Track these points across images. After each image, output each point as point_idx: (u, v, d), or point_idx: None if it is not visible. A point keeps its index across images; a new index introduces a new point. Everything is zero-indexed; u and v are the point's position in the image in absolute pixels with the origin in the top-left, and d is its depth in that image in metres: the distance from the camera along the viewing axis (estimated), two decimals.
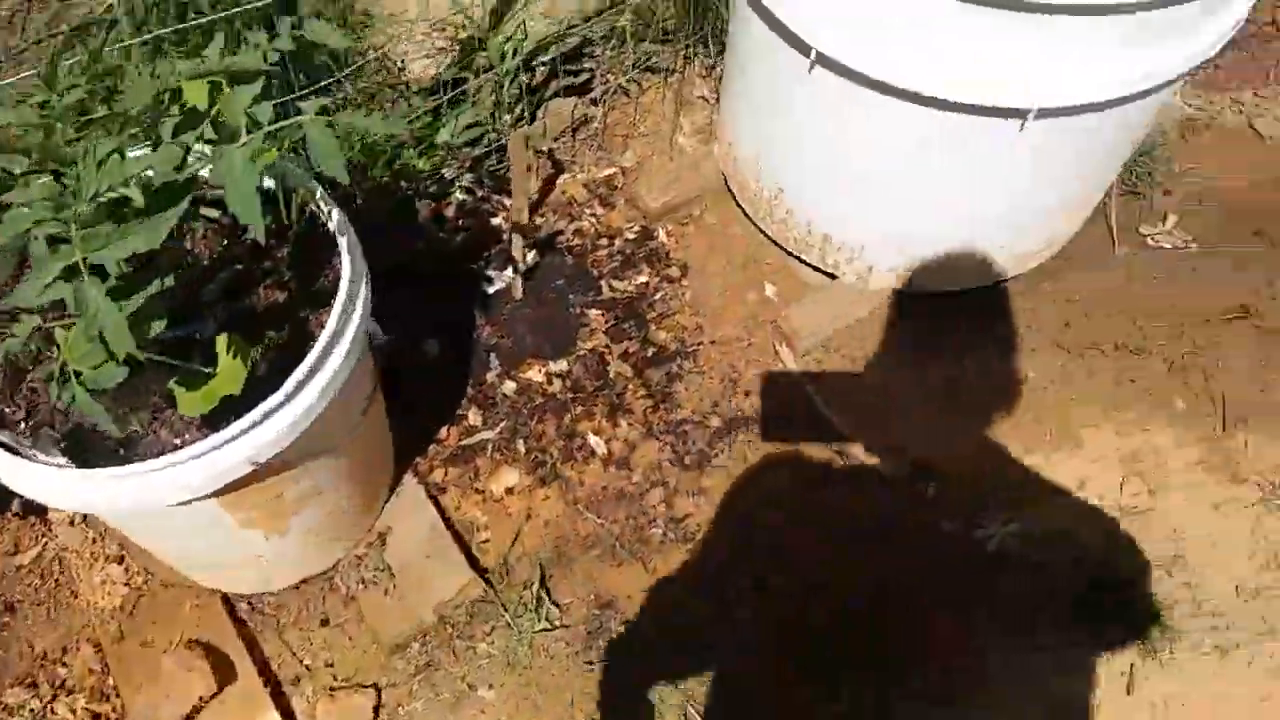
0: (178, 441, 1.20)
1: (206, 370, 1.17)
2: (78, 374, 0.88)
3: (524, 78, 2.10)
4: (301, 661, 1.71)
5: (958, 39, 1.37)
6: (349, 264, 1.30)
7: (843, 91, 1.52)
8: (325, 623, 1.75)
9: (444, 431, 1.89)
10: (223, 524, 1.42)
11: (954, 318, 1.97)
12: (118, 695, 1.69)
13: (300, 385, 1.23)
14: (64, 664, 1.73)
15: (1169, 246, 2.06)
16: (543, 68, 2.11)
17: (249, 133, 0.93)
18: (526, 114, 2.09)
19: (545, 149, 2.15)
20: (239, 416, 1.16)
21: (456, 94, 1.91)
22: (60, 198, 0.86)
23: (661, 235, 2.09)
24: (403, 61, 2.10)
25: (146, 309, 1.02)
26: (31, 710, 1.70)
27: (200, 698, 1.61)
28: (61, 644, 1.75)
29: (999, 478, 1.81)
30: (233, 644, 1.72)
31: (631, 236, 2.09)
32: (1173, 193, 2.14)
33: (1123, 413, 1.88)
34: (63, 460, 1.14)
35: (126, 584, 1.79)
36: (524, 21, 1.88)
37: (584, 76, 2.15)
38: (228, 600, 1.75)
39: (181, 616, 1.74)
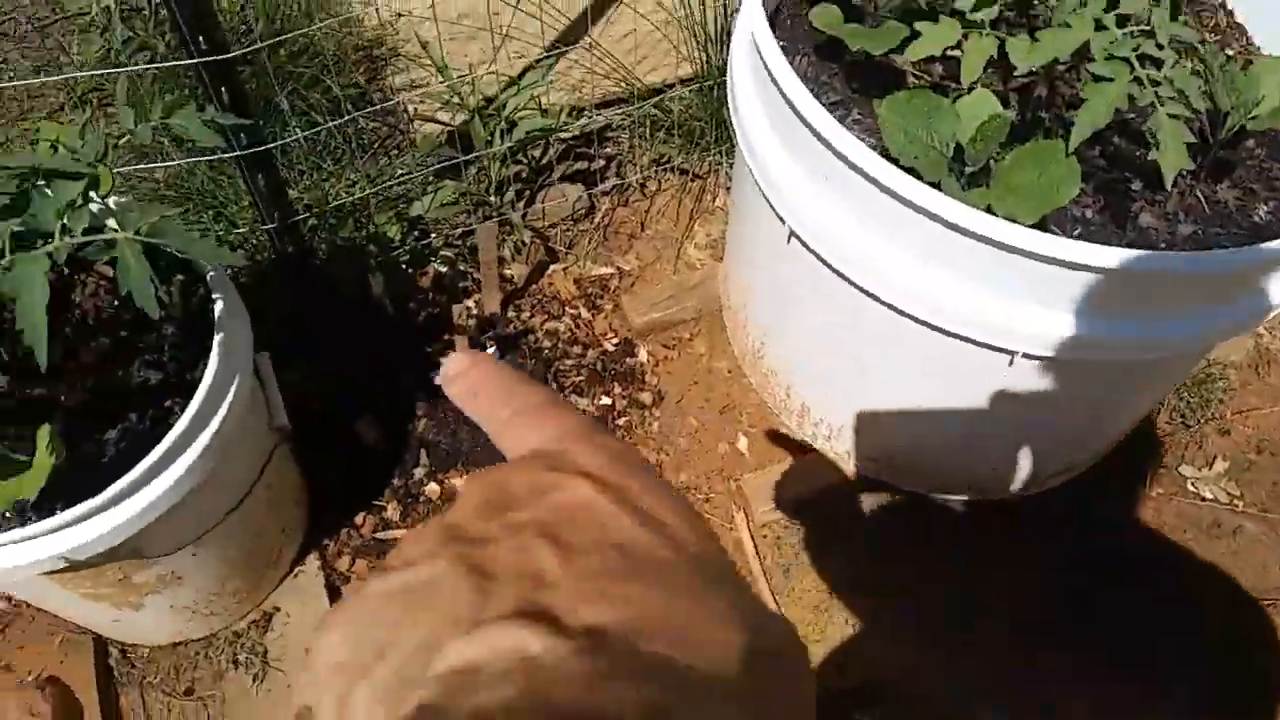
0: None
1: (22, 459, 1.14)
2: None
3: (534, 153, 2.04)
4: None
5: (934, 260, 1.25)
6: (215, 365, 1.27)
7: (817, 273, 1.42)
8: (190, 693, 1.75)
9: (361, 518, 1.86)
10: (66, 594, 1.41)
11: (937, 529, 1.83)
12: None
13: (128, 491, 1.19)
14: None
15: (1210, 498, 1.86)
16: (558, 145, 2.04)
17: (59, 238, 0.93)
18: (527, 194, 2.03)
19: (540, 235, 2.08)
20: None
21: (445, 163, 1.86)
22: None
23: (643, 354, 2.01)
24: (413, 111, 2.07)
25: None
26: None
27: None
28: None
29: None
30: (89, 693, 1.72)
31: (610, 349, 2.02)
32: (1229, 434, 1.93)
33: (1113, 688, 1.67)
34: None
35: (7, 599, 1.80)
36: (523, 103, 1.82)
37: (599, 163, 2.07)
38: (101, 642, 1.75)
39: (49, 650, 1.76)
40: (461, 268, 2.09)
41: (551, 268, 2.15)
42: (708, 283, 2.08)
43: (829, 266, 1.42)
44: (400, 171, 2.02)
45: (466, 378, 0.43)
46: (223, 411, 1.33)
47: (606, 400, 1.99)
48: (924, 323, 1.36)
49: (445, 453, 1.90)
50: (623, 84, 2.13)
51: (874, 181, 1.23)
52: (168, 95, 1.90)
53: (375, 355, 1.98)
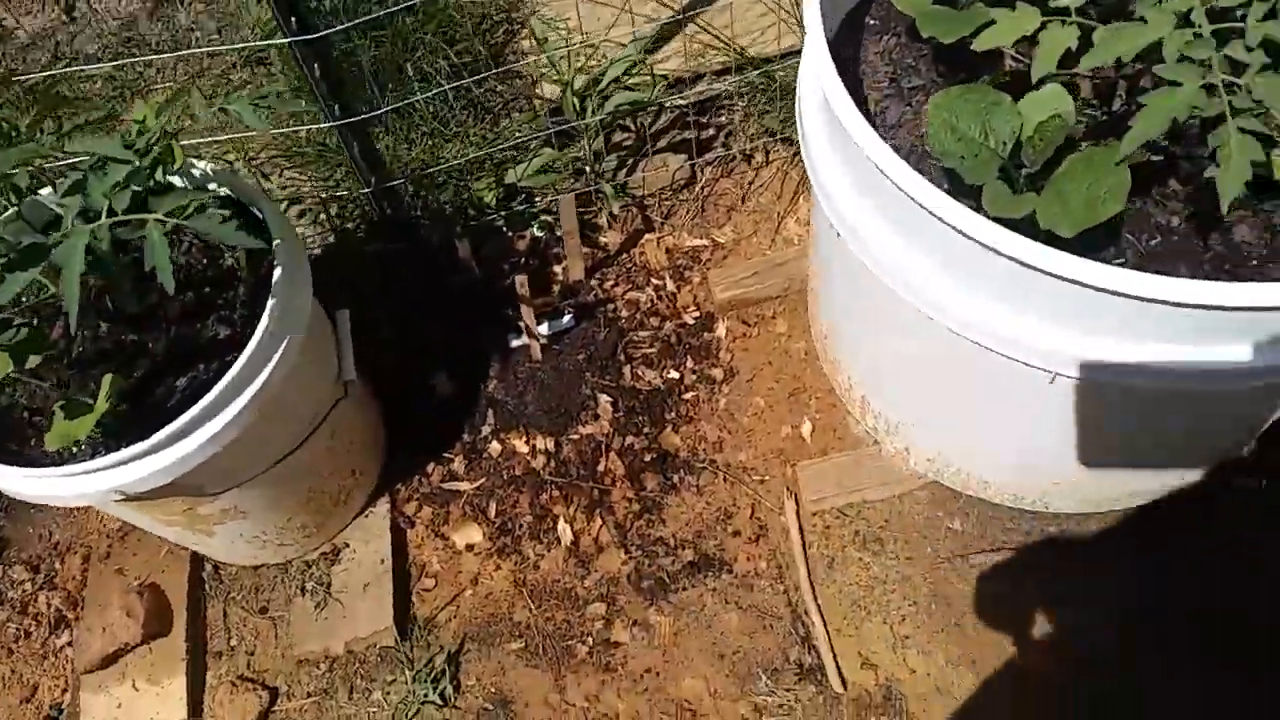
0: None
1: (89, 403, 1.29)
2: None
3: (643, 121, 2.06)
4: (230, 640, 1.92)
5: (956, 268, 1.20)
6: (260, 330, 1.39)
7: (862, 266, 1.37)
8: (264, 611, 1.94)
9: (430, 468, 1.98)
10: (143, 518, 1.58)
11: (995, 540, 1.74)
12: (82, 608, 1.95)
13: (170, 440, 1.33)
14: (62, 561, 2.03)
15: None
16: (670, 113, 2.05)
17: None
18: (630, 162, 2.05)
19: (638, 204, 2.10)
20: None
21: (544, 133, 1.91)
22: None
23: (721, 329, 2.02)
24: (536, 76, 2.12)
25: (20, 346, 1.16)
26: (23, 591, 2.01)
27: (125, 644, 1.82)
28: (69, 543, 2.04)
29: None
30: (181, 601, 1.92)
31: (689, 322, 2.04)
32: None
33: None
34: None
35: None
36: (620, 74, 1.82)
37: (709, 132, 2.06)
38: (198, 558, 1.95)
39: (156, 559, 1.99)
40: (557, 233, 2.14)
41: (645, 237, 2.16)
42: (798, 261, 2.03)
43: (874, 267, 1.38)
44: (507, 138, 2.07)
45: None
46: (264, 374, 1.45)
47: (675, 374, 1.99)
48: (952, 330, 1.30)
49: (509, 413, 1.98)
50: (734, 54, 2.09)
51: (889, 179, 1.17)
52: None
53: (460, 314, 2.07)
